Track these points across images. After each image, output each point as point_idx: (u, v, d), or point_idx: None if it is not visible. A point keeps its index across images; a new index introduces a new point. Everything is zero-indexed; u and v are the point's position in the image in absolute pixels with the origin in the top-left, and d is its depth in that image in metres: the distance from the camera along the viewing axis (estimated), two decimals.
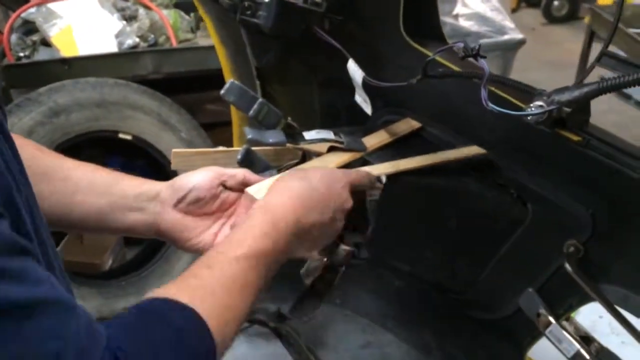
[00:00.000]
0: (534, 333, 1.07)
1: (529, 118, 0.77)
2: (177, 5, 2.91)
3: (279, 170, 1.06)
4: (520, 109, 0.83)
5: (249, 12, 1.09)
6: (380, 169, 1.02)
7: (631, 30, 2.72)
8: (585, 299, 1.00)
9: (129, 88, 2.40)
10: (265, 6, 1.07)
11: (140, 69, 2.55)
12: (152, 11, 2.72)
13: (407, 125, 1.13)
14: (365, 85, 1.06)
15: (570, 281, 1.00)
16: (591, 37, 3.04)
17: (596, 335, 1.13)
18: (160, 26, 2.69)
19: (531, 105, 0.77)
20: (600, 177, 0.85)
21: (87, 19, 2.55)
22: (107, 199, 0.86)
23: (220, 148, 1.13)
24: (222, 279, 0.68)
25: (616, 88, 0.67)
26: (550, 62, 4.67)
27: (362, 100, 1.09)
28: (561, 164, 0.93)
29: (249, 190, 0.98)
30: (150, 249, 2.66)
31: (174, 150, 1.06)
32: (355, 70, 1.04)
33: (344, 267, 1.07)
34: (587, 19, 5.59)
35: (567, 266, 0.97)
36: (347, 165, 1.03)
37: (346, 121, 1.22)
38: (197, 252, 0.89)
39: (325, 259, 1.08)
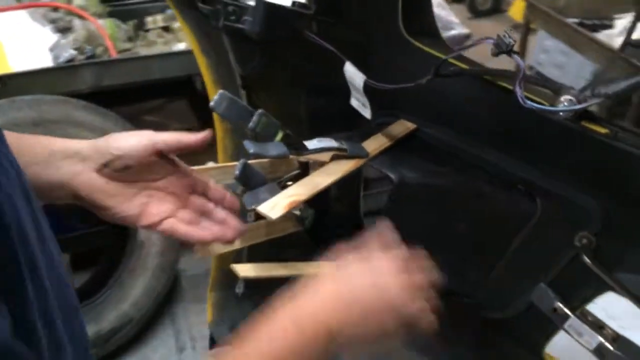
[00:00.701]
0: (549, 329, 1.06)
1: (560, 113, 0.75)
2: (112, 14, 2.77)
3: (281, 185, 1.00)
4: (542, 105, 0.81)
5: (233, 18, 1.03)
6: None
7: (569, 20, 2.82)
8: (599, 290, 1.00)
9: (69, 104, 2.25)
10: (252, 10, 1.01)
11: (79, 83, 2.40)
12: (87, 21, 2.57)
13: (403, 127, 1.10)
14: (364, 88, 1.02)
15: (584, 273, 0.99)
16: (527, 28, 3.13)
17: None
18: (97, 37, 2.54)
19: (562, 99, 0.75)
20: (628, 168, 0.84)
21: (17, 33, 2.38)
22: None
23: (211, 164, 1.06)
24: None
25: None
26: (481, 54, 4.78)
27: (360, 105, 1.05)
28: (577, 156, 0.92)
29: (260, 209, 0.91)
30: (101, 274, 2.51)
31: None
32: (354, 74, 0.99)
33: None
34: (510, 11, 5.79)
35: (585, 258, 0.96)
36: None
37: (336, 126, 1.17)
38: (120, 223, 0.79)
39: None
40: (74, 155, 0.74)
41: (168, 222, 0.78)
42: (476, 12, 6.05)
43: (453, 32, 2.55)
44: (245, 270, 1.03)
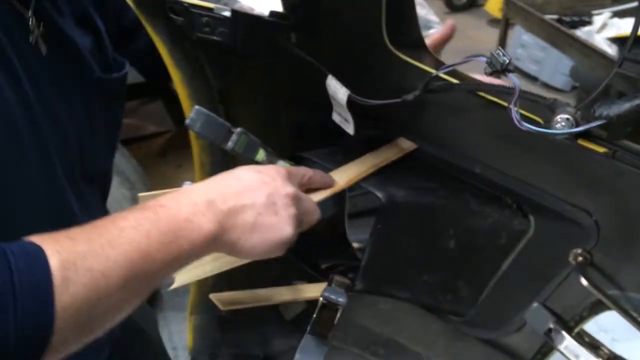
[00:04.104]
0: (544, 349, 1.03)
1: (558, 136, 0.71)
2: None
3: None
4: (537, 122, 0.77)
5: (207, 29, 0.97)
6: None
7: (547, 17, 2.80)
8: (596, 309, 0.97)
9: None
10: (228, 21, 0.95)
11: None
12: None
13: (398, 147, 1.03)
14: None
15: (579, 292, 0.96)
16: (506, 25, 3.10)
17: None
18: None
19: (558, 118, 0.71)
20: (626, 186, 0.81)
21: None
22: None
23: (187, 185, 1.00)
24: (93, 229, 0.61)
25: None
26: (458, 50, 4.77)
27: (342, 120, 1.00)
28: (573, 173, 0.88)
29: None
30: None
31: (139, 194, 0.92)
32: (337, 88, 0.94)
33: (342, 305, 0.98)
34: (486, 6, 5.79)
35: (580, 276, 0.92)
36: None
37: (319, 140, 1.12)
38: None
39: (321, 298, 1.00)
40: None
41: None
42: (453, 7, 6.06)
43: (433, 31, 2.50)
44: (226, 301, 0.99)
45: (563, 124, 0.70)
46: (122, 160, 2.34)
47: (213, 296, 1.00)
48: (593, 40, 2.79)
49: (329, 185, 0.94)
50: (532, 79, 4.78)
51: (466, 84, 0.83)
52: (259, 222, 0.74)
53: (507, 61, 0.67)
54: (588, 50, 2.59)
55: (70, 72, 0.88)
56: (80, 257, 0.56)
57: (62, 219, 0.65)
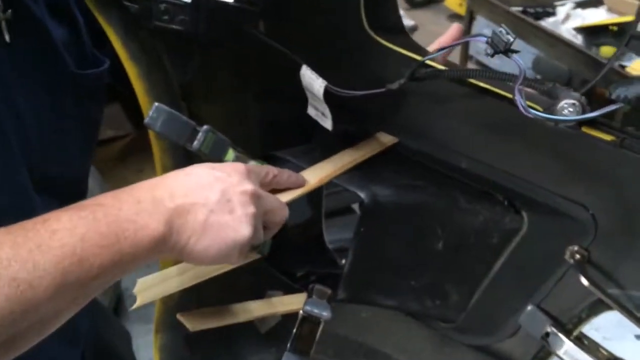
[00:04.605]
0: (540, 355, 0.97)
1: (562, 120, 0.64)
2: None
3: None
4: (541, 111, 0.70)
5: (166, 17, 0.87)
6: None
7: (513, 9, 2.78)
8: (595, 310, 0.91)
9: None
10: (189, 8, 0.86)
11: None
12: None
13: (378, 141, 0.96)
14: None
15: (577, 291, 0.90)
16: (471, 18, 3.07)
17: None
18: None
19: (563, 104, 0.64)
20: (632, 176, 0.75)
21: None
22: None
23: None
24: (20, 231, 0.54)
25: None
26: (421, 44, 4.76)
27: (318, 114, 0.91)
28: (572, 165, 0.82)
29: None
30: None
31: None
32: (312, 79, 0.85)
33: (327, 319, 0.90)
34: (446, 2, 5.78)
35: (582, 277, 0.86)
36: None
37: (292, 138, 1.04)
38: None
39: (301, 311, 0.91)
40: None
41: None
42: (413, 4, 6.02)
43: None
44: (195, 320, 0.90)
45: (570, 109, 0.64)
46: None
47: (180, 316, 0.91)
48: (559, 31, 2.79)
49: (299, 185, 0.86)
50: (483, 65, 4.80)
51: (456, 71, 0.76)
52: (211, 220, 0.66)
53: (512, 40, 0.59)
54: (554, 40, 2.58)
55: (38, 63, 0.79)
56: (3, 264, 0.50)
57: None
